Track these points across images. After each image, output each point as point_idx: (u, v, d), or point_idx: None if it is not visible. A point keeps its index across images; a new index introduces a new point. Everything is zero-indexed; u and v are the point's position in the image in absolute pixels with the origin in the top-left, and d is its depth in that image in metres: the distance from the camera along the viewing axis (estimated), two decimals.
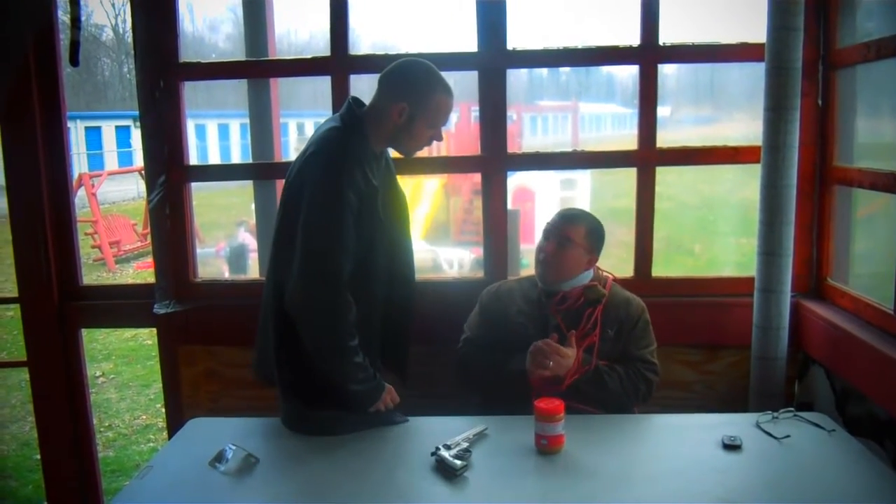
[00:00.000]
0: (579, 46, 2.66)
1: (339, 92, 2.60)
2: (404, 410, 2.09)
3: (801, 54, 2.33)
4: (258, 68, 2.76)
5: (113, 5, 27.50)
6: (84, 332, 2.87)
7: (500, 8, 2.57)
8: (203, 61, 2.71)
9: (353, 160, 1.93)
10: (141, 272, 10.87)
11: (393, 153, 2.17)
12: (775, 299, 2.40)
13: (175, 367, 2.76)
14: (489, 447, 1.89)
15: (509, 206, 2.72)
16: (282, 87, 2.94)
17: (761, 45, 2.39)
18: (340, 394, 1.96)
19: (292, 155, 2.10)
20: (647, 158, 2.61)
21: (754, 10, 2.41)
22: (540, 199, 9.54)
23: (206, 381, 2.77)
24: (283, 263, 1.95)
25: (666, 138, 2.65)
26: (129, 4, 2.63)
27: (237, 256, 9.04)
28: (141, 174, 12.15)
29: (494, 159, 2.65)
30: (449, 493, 1.69)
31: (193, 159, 2.80)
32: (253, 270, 8.21)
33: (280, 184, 2.57)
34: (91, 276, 10.15)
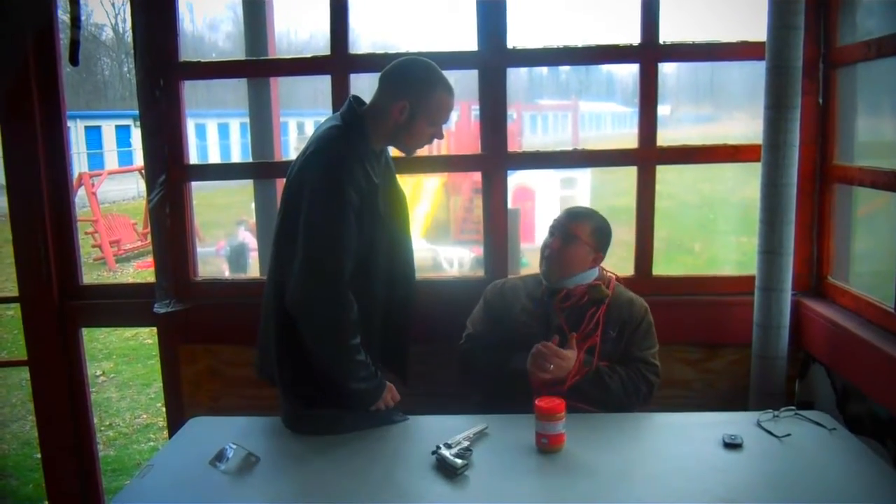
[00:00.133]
0: (579, 45, 2.66)
1: (339, 91, 2.60)
2: (404, 409, 2.09)
3: (801, 53, 2.33)
4: (258, 67, 2.76)
5: (113, 5, 27.50)
6: (84, 331, 2.87)
7: (500, 7, 2.57)
8: (203, 60, 2.71)
9: (353, 158, 1.93)
10: (141, 271, 10.88)
11: (393, 151, 2.16)
12: (776, 298, 2.39)
13: (175, 366, 2.76)
14: (490, 446, 1.89)
15: (509, 204, 2.72)
16: (282, 86, 2.94)
17: (762, 44, 2.39)
18: (342, 392, 1.96)
19: (292, 154, 2.10)
20: (647, 157, 2.60)
21: (754, 9, 2.41)
22: (540, 197, 9.56)
23: (206, 380, 2.77)
24: (284, 262, 1.95)
25: (666, 137, 2.65)
26: (128, 4, 2.63)
27: (237, 255, 9.05)
28: (141, 173, 12.15)
29: (495, 158, 2.65)
30: (449, 492, 1.69)
31: (193, 158, 2.80)
32: (253, 269, 8.22)
33: (280, 183, 2.57)
34: (91, 276, 10.15)
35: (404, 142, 2.06)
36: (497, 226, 2.69)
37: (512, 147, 2.69)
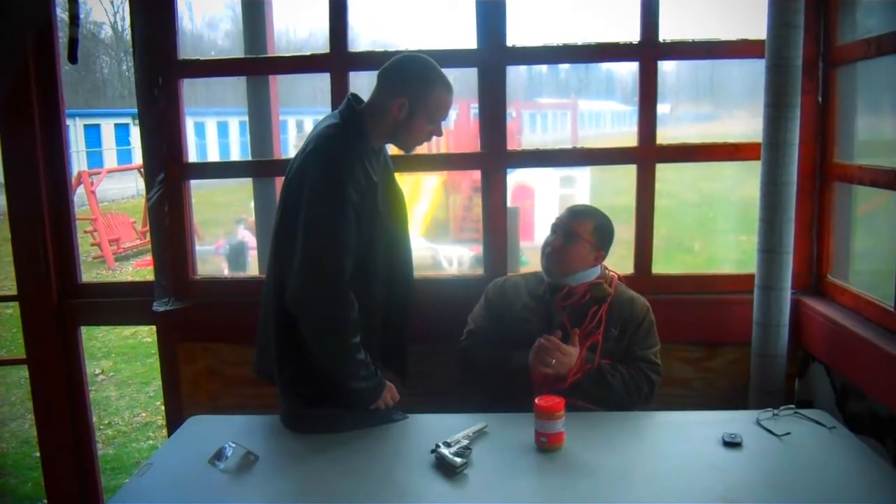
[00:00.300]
0: (579, 43, 2.65)
1: (339, 89, 2.59)
2: (404, 408, 2.09)
3: (801, 51, 2.32)
4: (257, 65, 2.76)
5: (112, 3, 27.46)
6: (83, 329, 2.87)
7: (499, 5, 2.57)
8: (202, 58, 2.71)
9: (353, 156, 1.92)
10: (140, 270, 10.87)
11: (392, 149, 2.16)
12: (775, 296, 2.39)
13: (174, 365, 2.76)
14: (489, 444, 1.89)
15: (509, 203, 2.71)
16: (281, 84, 2.94)
17: (761, 42, 2.39)
18: (341, 391, 1.96)
19: (291, 152, 2.10)
20: (646, 155, 2.60)
21: (754, 7, 2.41)
22: (539, 196, 9.56)
23: (205, 378, 2.77)
24: (284, 261, 1.94)
25: (666, 135, 2.65)
26: (127, 2, 2.63)
27: (236, 254, 9.05)
28: (140, 172, 12.14)
29: (494, 156, 2.64)
30: (449, 491, 1.69)
31: (192, 157, 2.79)
32: (252, 268, 8.22)
33: (279, 181, 2.57)
34: (90, 274, 10.13)
35: (403, 139, 2.06)
36: (496, 224, 2.69)
37: (511, 145, 2.69)
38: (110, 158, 21.92)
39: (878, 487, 1.67)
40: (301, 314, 1.91)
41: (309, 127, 2.37)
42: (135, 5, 2.60)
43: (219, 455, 1.81)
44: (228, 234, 10.06)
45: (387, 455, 1.87)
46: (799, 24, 2.30)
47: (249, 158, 2.89)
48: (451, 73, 2.09)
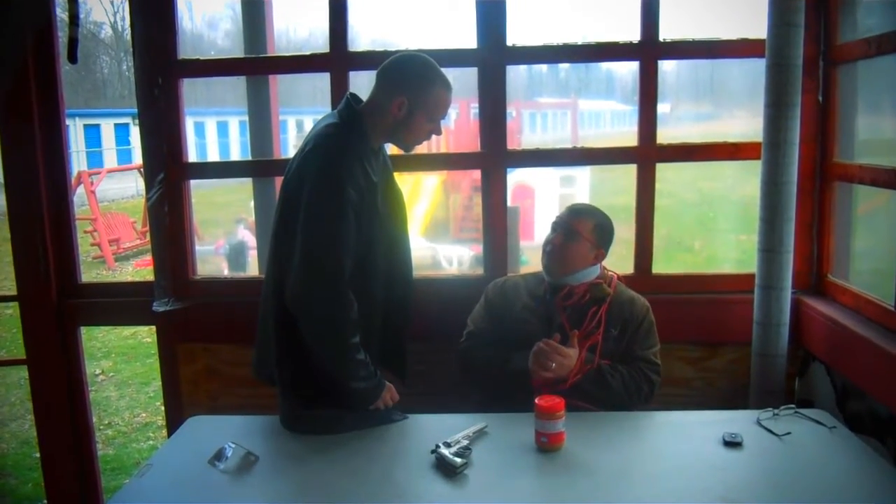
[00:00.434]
0: (579, 42, 2.65)
1: (339, 89, 2.59)
2: (403, 408, 2.08)
3: (801, 50, 2.32)
4: (257, 65, 2.76)
5: (112, 3, 27.46)
6: (83, 329, 2.87)
7: (499, 4, 2.56)
8: (202, 58, 2.71)
9: (352, 156, 1.92)
10: (140, 270, 10.88)
11: (392, 149, 2.16)
12: (776, 296, 2.39)
13: (174, 365, 2.76)
14: (489, 445, 1.88)
15: (509, 202, 2.71)
16: (281, 84, 2.94)
17: (762, 42, 2.39)
18: (341, 392, 1.96)
19: (291, 152, 2.10)
20: (647, 155, 2.60)
21: (754, 7, 2.41)
22: (539, 196, 9.57)
23: (205, 378, 2.76)
24: (283, 260, 1.94)
25: (666, 135, 2.65)
26: (127, 2, 2.62)
27: (236, 254, 9.06)
28: (140, 172, 12.13)
29: (494, 156, 2.64)
30: (449, 491, 1.68)
31: (192, 157, 2.79)
32: (252, 268, 8.23)
33: (279, 181, 2.56)
34: (90, 274, 10.14)
35: (403, 138, 2.05)
36: (496, 224, 2.68)
37: (511, 145, 2.69)
38: (110, 158, 21.92)
39: (878, 487, 1.67)
40: (300, 314, 1.90)
41: (309, 127, 2.37)
42: (134, 5, 2.59)
43: (219, 455, 1.81)
44: (228, 234, 10.06)
45: (386, 455, 1.87)
46: (799, 23, 2.30)
47: (249, 158, 2.89)
48: (451, 73, 2.09)
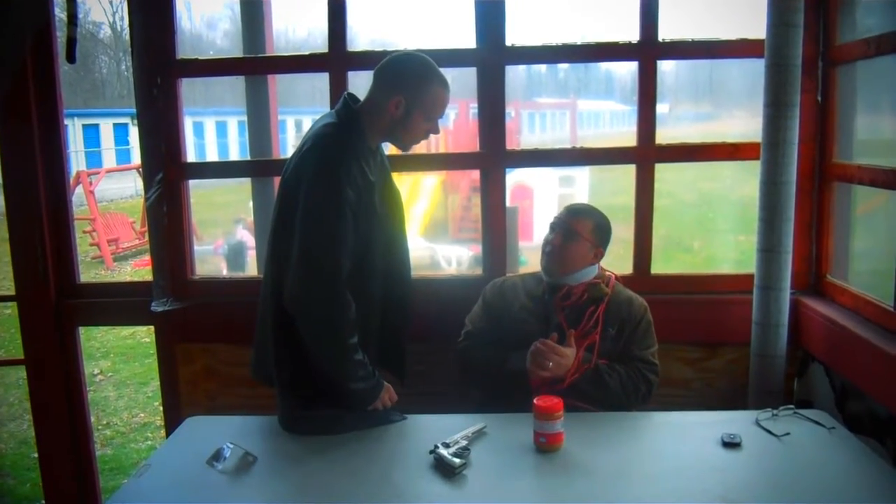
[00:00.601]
0: (578, 43, 2.65)
1: (337, 89, 2.59)
2: (402, 409, 2.08)
3: (800, 51, 2.32)
4: (256, 65, 2.75)
5: (111, 2, 27.46)
6: (82, 329, 2.86)
7: (498, 4, 2.56)
8: (200, 58, 2.70)
9: (349, 155, 1.92)
10: (139, 270, 10.87)
11: (390, 149, 2.16)
12: (775, 296, 2.39)
13: (173, 365, 2.75)
14: (488, 445, 1.88)
15: (508, 203, 2.71)
16: (280, 84, 2.94)
17: (761, 42, 2.39)
18: (340, 392, 1.95)
19: (290, 152, 2.10)
20: (646, 155, 2.60)
21: (754, 7, 2.41)
22: (538, 196, 9.58)
23: (203, 378, 2.76)
24: (281, 260, 1.94)
25: (665, 135, 2.65)
26: (126, 2, 2.62)
27: (235, 254, 9.06)
28: (139, 172, 12.12)
29: (493, 156, 2.64)
30: (448, 492, 1.68)
31: (191, 157, 2.79)
32: (251, 268, 8.23)
33: (278, 181, 2.56)
34: (89, 274, 10.14)
35: (400, 137, 2.05)
36: (495, 224, 2.68)
37: (510, 145, 2.68)
38: (109, 158, 21.91)
39: (877, 488, 1.67)
40: (299, 314, 1.90)
41: (308, 127, 2.36)
42: (133, 5, 2.59)
43: (217, 456, 1.80)
44: (227, 234, 10.06)
45: (385, 456, 1.87)
46: (798, 23, 2.30)
47: (248, 158, 2.89)
48: (450, 73, 2.08)
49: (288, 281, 1.90)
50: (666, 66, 2.76)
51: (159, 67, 2.61)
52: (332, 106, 2.09)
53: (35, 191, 2.65)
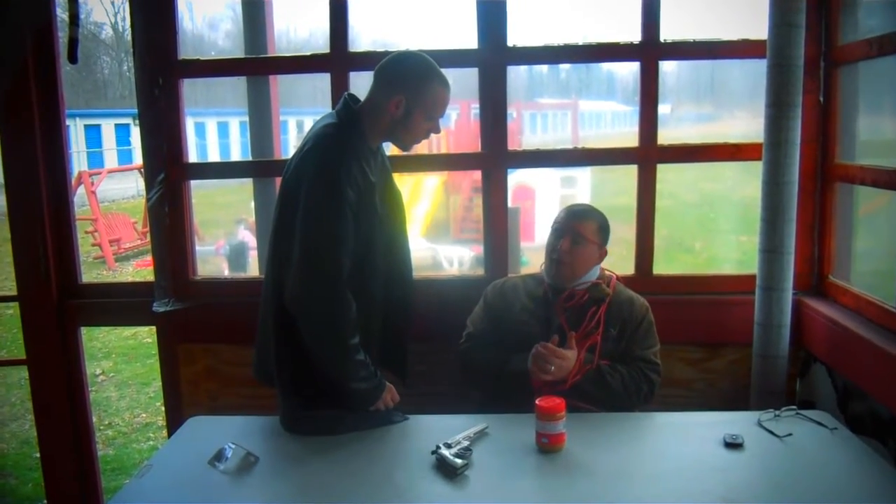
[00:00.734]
0: (580, 43, 2.65)
1: (339, 89, 2.59)
2: (404, 409, 2.08)
3: (802, 51, 2.32)
4: (257, 65, 2.76)
5: (112, 3, 27.51)
6: (84, 330, 2.86)
7: (500, 4, 2.56)
8: (202, 59, 2.70)
9: (350, 156, 1.92)
10: (140, 270, 10.88)
11: (391, 149, 2.16)
12: (777, 297, 2.39)
13: (174, 366, 2.75)
14: (490, 446, 1.88)
15: (509, 203, 2.71)
16: (281, 84, 2.94)
17: (763, 42, 2.38)
18: (341, 392, 1.95)
19: (292, 152, 2.10)
20: (648, 155, 2.60)
21: (755, 7, 2.41)
22: (540, 196, 9.57)
23: (205, 379, 2.76)
24: (282, 260, 1.94)
25: (667, 136, 2.64)
26: (128, 2, 2.62)
27: (237, 254, 9.06)
28: (140, 172, 12.13)
29: (495, 156, 2.64)
30: (449, 492, 1.68)
31: (193, 157, 2.79)
32: (253, 268, 8.22)
33: (280, 181, 2.57)
34: (91, 275, 10.14)
35: (401, 137, 2.05)
36: (497, 224, 2.68)
37: (512, 146, 2.68)
38: (111, 159, 21.95)
39: (879, 488, 1.67)
40: (300, 314, 1.90)
41: (309, 127, 2.36)
42: (135, 6, 2.59)
43: (219, 456, 1.80)
44: (229, 234, 10.07)
45: (387, 456, 1.87)
46: (800, 23, 2.30)
47: (250, 159, 2.89)
48: (451, 73, 2.08)
49: (289, 281, 1.90)
50: (668, 67, 2.76)
51: (161, 68, 2.62)
52: (334, 107, 2.10)
53: (37, 191, 2.65)
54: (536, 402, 1.84)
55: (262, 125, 2.84)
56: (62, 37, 2.61)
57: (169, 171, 2.67)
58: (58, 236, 2.72)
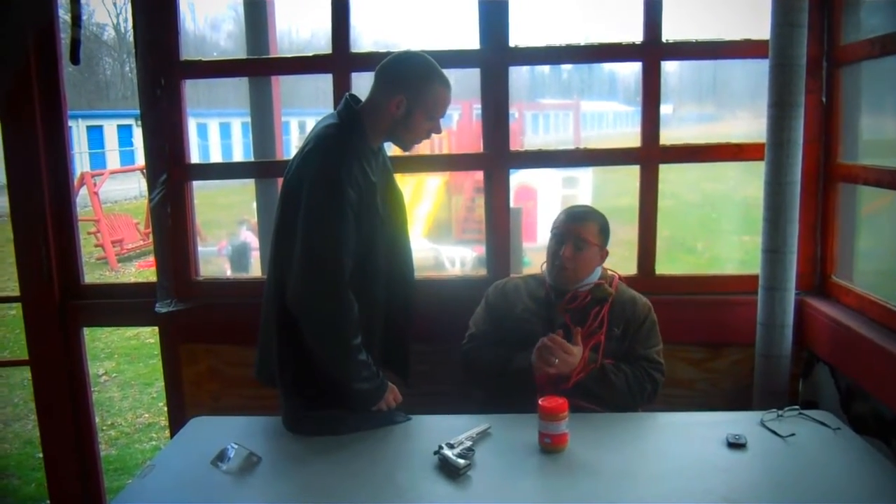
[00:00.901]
0: (581, 43, 2.65)
1: (341, 90, 2.59)
2: (406, 409, 2.08)
3: (805, 51, 2.31)
4: (259, 66, 2.76)
5: (114, 4, 27.62)
6: (86, 330, 2.87)
7: (501, 5, 2.56)
8: (204, 59, 2.71)
9: (351, 156, 1.92)
10: (143, 271, 10.89)
11: (393, 150, 2.15)
12: (779, 297, 2.39)
13: (177, 366, 2.76)
14: (492, 446, 1.88)
15: (511, 204, 2.71)
16: (283, 85, 2.94)
17: (765, 42, 2.38)
18: (343, 393, 1.96)
19: (293, 153, 2.10)
20: (650, 156, 2.59)
21: (758, 7, 2.40)
22: (542, 197, 9.56)
23: (207, 379, 2.76)
24: (284, 261, 1.94)
25: (669, 136, 2.64)
26: (130, 3, 2.63)
27: (239, 255, 9.06)
28: (143, 173, 12.14)
29: (497, 157, 2.64)
30: (452, 493, 1.68)
31: (195, 158, 2.79)
32: (255, 269, 8.23)
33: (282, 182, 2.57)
34: (93, 275, 10.16)
35: (402, 137, 2.05)
36: (499, 225, 2.68)
37: (514, 146, 2.68)
38: (113, 159, 22.00)
39: (882, 488, 1.66)
40: (301, 314, 1.90)
41: (311, 128, 2.36)
42: (137, 7, 2.60)
43: (221, 456, 1.81)
44: (231, 235, 10.06)
45: (389, 457, 1.87)
46: (803, 23, 2.29)
47: (252, 159, 2.89)
48: (453, 74, 2.08)
49: (290, 282, 1.90)
50: (669, 67, 2.76)
51: (163, 69, 2.62)
52: (336, 107, 2.10)
53: (39, 192, 2.65)
54: (539, 402, 1.84)
55: (264, 126, 2.84)
56: (64, 38, 2.61)
57: (171, 172, 2.67)
58: (60, 237, 2.72)
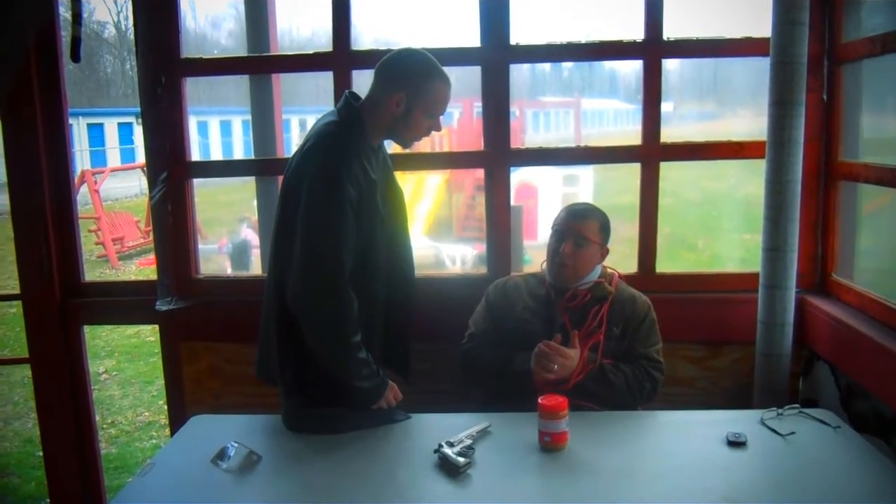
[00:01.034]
0: (582, 41, 2.65)
1: (342, 87, 2.59)
2: (406, 408, 2.08)
3: (806, 49, 2.31)
4: (260, 64, 2.76)
5: (115, 2, 27.60)
6: (87, 328, 2.87)
7: (502, 3, 2.56)
8: (205, 57, 2.70)
9: (351, 154, 1.92)
10: (143, 269, 10.88)
11: (393, 147, 2.15)
12: (780, 295, 2.38)
13: (177, 364, 2.76)
14: (492, 444, 1.88)
15: (512, 201, 2.71)
16: (284, 82, 2.93)
17: (766, 40, 2.38)
18: (344, 391, 1.95)
19: (294, 151, 2.10)
20: (650, 154, 2.59)
21: (759, 5, 2.40)
22: (543, 195, 9.55)
23: (208, 377, 2.76)
24: (284, 259, 1.94)
25: (669, 134, 2.64)
26: (130, 1, 2.63)
27: (239, 253, 9.05)
28: (143, 171, 12.13)
29: (497, 154, 2.64)
30: (452, 491, 1.68)
31: (195, 156, 2.79)
32: (255, 267, 8.23)
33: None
34: (94, 273, 10.15)
35: (402, 135, 2.05)
36: (500, 223, 2.68)
37: (514, 144, 2.68)
38: (114, 157, 22.00)
39: (882, 487, 1.66)
40: (301, 312, 1.90)
41: (312, 125, 2.37)
42: (138, 4, 2.59)
43: (221, 455, 1.81)
44: (231, 232, 10.06)
45: (389, 455, 1.87)
46: (804, 21, 2.29)
47: (252, 157, 2.89)
48: (454, 72, 2.08)
49: (290, 279, 1.90)
50: (670, 65, 2.75)
51: (164, 67, 2.62)
52: (336, 105, 2.10)
53: (40, 190, 2.65)
54: (539, 400, 1.84)
55: (264, 123, 2.84)
56: (65, 35, 2.61)
57: (172, 170, 2.67)
58: (61, 235, 2.72)
